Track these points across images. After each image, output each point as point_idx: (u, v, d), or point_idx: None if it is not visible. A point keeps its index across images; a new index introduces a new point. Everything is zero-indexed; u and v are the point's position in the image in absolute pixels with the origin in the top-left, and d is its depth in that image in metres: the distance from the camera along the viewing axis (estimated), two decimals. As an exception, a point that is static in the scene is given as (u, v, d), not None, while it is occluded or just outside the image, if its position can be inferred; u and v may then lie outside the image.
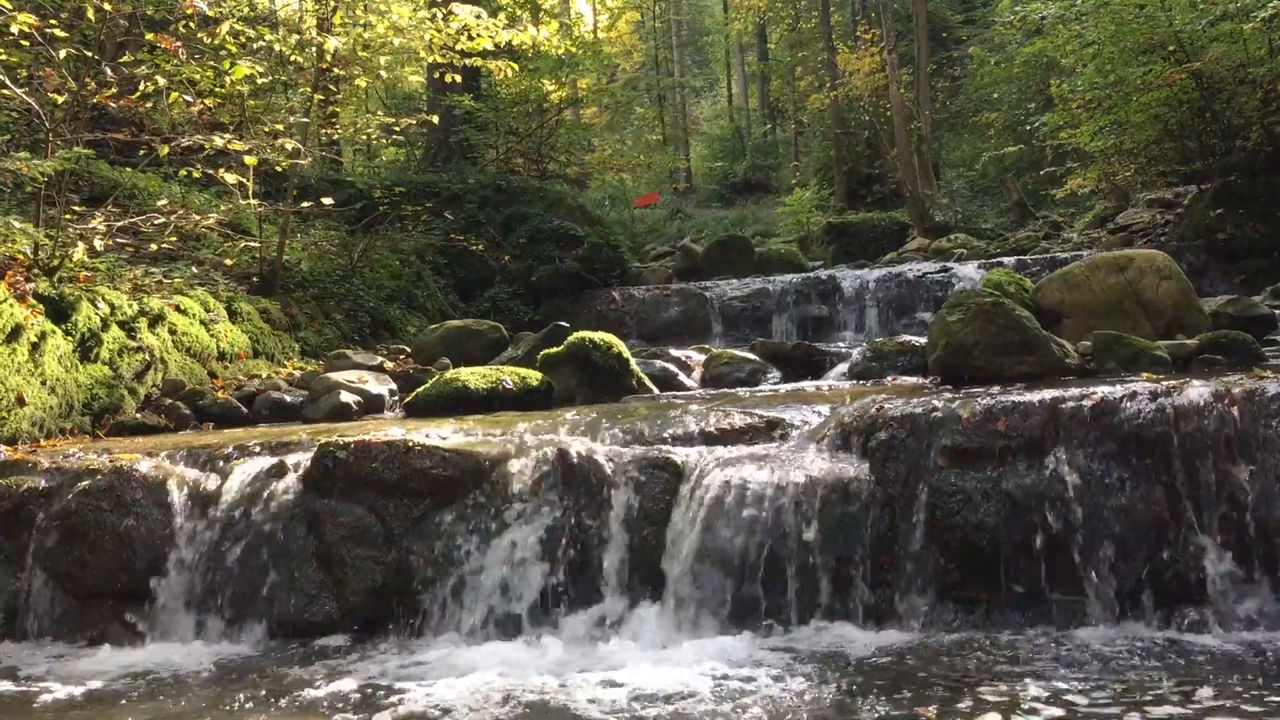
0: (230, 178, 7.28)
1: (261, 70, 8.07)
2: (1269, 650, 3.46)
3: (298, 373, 7.50)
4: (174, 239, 8.01)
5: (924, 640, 3.78)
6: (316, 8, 9.19)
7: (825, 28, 25.10)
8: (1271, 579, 3.71)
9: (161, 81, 7.09)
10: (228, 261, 8.57)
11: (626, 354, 6.58)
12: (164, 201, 7.93)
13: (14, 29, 6.09)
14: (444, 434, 4.79)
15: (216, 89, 8.17)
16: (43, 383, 5.59)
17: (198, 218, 7.82)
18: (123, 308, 6.35)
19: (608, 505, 4.28)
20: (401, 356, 8.27)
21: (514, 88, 14.80)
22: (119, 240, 7.44)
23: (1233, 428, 3.88)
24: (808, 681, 3.38)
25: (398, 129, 10.68)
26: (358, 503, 4.39)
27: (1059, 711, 3.00)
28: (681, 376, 7.05)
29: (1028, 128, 16.75)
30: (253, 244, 8.75)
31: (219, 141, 7.05)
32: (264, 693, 3.57)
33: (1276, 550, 3.73)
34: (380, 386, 6.80)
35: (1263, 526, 3.75)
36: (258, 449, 4.85)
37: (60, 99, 6.50)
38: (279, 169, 8.13)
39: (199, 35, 7.61)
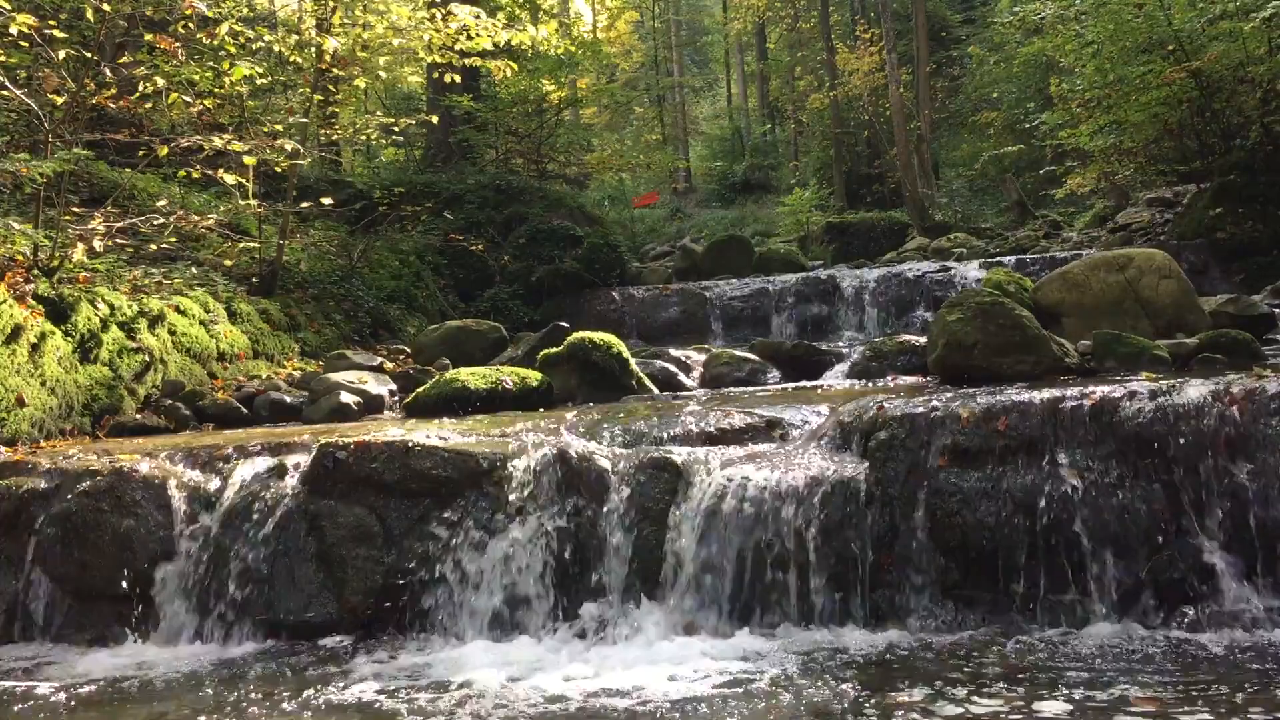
0: (230, 178, 7.27)
1: (261, 71, 8.06)
2: (1270, 650, 3.46)
3: (298, 373, 7.50)
4: (174, 239, 8.01)
5: (924, 640, 3.78)
6: (316, 8, 9.19)
7: (824, 27, 25.11)
8: (1272, 579, 3.71)
9: (161, 82, 7.09)
10: (227, 262, 8.57)
11: (626, 354, 6.58)
12: (163, 202, 7.93)
13: (13, 30, 6.08)
14: (444, 434, 4.79)
15: (216, 89, 8.16)
16: (42, 383, 5.59)
17: (197, 218, 7.81)
18: (122, 308, 6.35)
19: (607, 505, 4.28)
20: (401, 357, 8.27)
21: (513, 88, 14.82)
22: (119, 241, 7.44)
23: (1233, 427, 3.87)
24: (807, 681, 3.38)
25: (397, 129, 10.69)
26: (358, 503, 4.39)
27: (1058, 712, 3.00)
28: (681, 376, 7.05)
29: (1027, 127, 16.77)
30: (252, 244, 8.75)
31: (218, 142, 7.04)
32: (264, 693, 3.57)
33: (1276, 550, 3.73)
34: (380, 387, 6.80)
35: (1263, 526, 3.75)
36: (258, 450, 4.85)
37: (60, 100, 6.49)
38: (278, 169, 8.13)
39: (198, 36, 7.61)
